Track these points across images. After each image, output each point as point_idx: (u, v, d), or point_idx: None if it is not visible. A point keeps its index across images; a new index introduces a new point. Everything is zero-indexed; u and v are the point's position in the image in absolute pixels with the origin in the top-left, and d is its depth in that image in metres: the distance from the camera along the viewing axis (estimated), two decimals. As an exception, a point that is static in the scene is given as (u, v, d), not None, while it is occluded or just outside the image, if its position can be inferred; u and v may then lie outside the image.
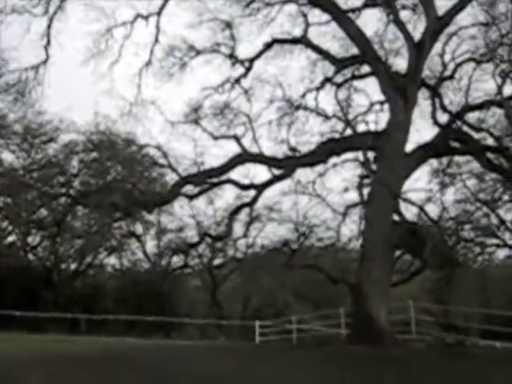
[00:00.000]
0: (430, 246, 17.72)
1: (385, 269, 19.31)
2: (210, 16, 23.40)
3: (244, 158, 20.65)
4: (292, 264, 24.41)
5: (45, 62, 19.03)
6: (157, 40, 21.22)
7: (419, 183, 23.92)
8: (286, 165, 20.65)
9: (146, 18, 20.83)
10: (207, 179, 20.86)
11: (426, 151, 20.40)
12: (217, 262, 39.16)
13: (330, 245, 25.53)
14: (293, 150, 21.30)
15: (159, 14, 20.81)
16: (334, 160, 21.08)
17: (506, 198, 31.06)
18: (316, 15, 23.56)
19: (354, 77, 23.40)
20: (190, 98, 23.35)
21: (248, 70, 23.68)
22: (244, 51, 24.20)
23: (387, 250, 19.33)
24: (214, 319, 34.95)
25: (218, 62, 24.05)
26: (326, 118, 21.90)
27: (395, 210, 18.55)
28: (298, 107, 22.13)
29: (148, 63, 21.45)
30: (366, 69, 23.18)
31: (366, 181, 20.17)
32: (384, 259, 19.25)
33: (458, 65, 22.76)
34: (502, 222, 33.71)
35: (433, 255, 18.00)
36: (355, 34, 20.38)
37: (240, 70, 23.96)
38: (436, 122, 20.85)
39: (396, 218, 19.23)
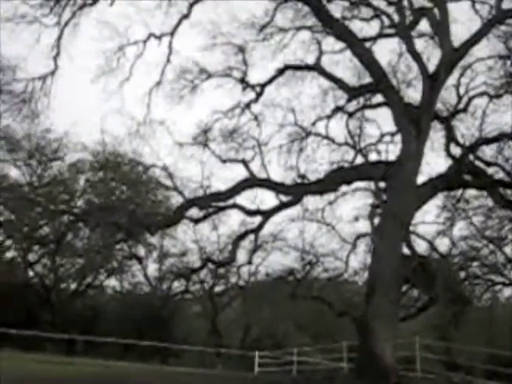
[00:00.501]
0: (441, 281, 16.96)
1: (392, 303, 18.51)
2: (224, 40, 22.93)
3: (252, 182, 20.00)
4: (297, 294, 23.59)
5: (53, 72, 18.46)
6: (169, 60, 20.69)
7: (428, 216, 23.48)
8: (294, 192, 19.98)
9: (159, 37, 20.34)
10: (213, 203, 20.19)
11: (438, 183, 19.76)
12: (218, 288, 38.46)
13: (337, 276, 24.68)
14: (302, 176, 20.67)
15: (172, 34, 20.31)
16: (344, 189, 20.46)
17: (512, 236, 30.58)
18: (329, 44, 23.16)
19: (365, 106, 22.83)
20: (200, 120, 22.79)
21: (259, 95, 23.14)
22: (256, 76, 23.76)
23: (395, 284, 18.56)
24: (213, 347, 34.12)
25: (229, 87, 23.55)
26: (338, 145, 21.28)
27: (406, 242, 17.82)
28: (309, 133, 21.52)
29: (158, 83, 20.89)
30: (377, 99, 22.70)
31: (378, 210, 19.42)
32: (392, 293, 18.47)
33: (472, 98, 22.24)
34: (509, 260, 33.13)
35: (444, 290, 17.25)
36: (370, 63, 19.87)
37: (251, 94, 23.43)
38: (449, 155, 20.24)
39: (405, 250, 18.50)
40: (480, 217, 27.26)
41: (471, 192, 23.52)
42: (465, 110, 22.28)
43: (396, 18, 21.65)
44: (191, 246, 38.88)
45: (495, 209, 26.77)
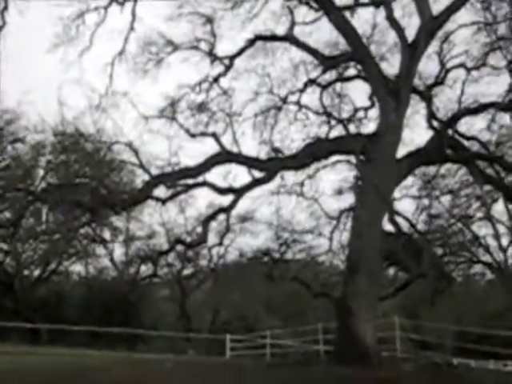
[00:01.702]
0: (427, 258, 15.66)
1: (373, 282, 17.21)
2: (190, 9, 21.15)
3: (223, 157, 18.34)
4: (273, 275, 22.08)
5: (0, 29, 16.37)
6: (132, 28, 18.85)
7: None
8: (268, 167, 18.36)
9: (122, 3, 18.47)
10: (182, 180, 18.49)
11: (418, 157, 18.41)
12: (187, 272, 36.86)
13: (317, 255, 23.13)
14: (276, 150, 19.04)
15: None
16: (323, 162, 18.94)
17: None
18: (301, 14, 21.63)
19: (339, 79, 21.35)
20: (166, 93, 21.01)
21: (228, 68, 21.46)
22: (224, 48, 22.04)
23: (376, 262, 17.25)
24: (183, 331, 32.59)
25: (197, 60, 21.83)
26: (316, 114, 19.70)
27: (390, 218, 16.44)
28: (285, 100, 19.88)
29: (121, 52, 19.06)
30: (351, 72, 21.37)
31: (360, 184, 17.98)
32: (373, 272, 17.15)
33: (449, 69, 20.97)
34: (476, 237, 32.41)
35: (430, 268, 15.96)
36: (347, 31, 18.36)
37: (219, 68, 21.73)
38: (431, 127, 18.88)
39: (386, 227, 17.14)
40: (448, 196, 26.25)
41: (448, 167, 22.30)
42: (441, 82, 21.01)
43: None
44: (158, 228, 37.35)
45: (463, 187, 25.92)
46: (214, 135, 18.82)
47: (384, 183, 16.79)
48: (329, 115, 19.72)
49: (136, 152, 19.25)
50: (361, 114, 21.55)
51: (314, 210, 21.69)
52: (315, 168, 19.31)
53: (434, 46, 20.17)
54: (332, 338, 20.89)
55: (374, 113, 21.43)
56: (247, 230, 33.31)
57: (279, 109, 20.33)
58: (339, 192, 20.20)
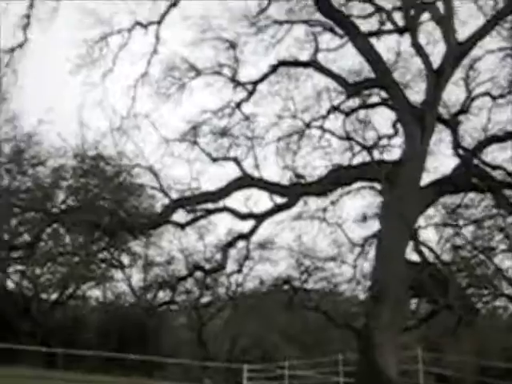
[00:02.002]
0: (454, 289, 15.02)
1: (397, 314, 16.57)
2: (214, 34, 21.02)
3: (244, 181, 17.94)
4: (293, 304, 21.42)
5: (21, 45, 16.16)
6: (155, 51, 18.71)
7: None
8: (290, 192, 17.92)
9: (146, 26, 18.34)
10: (202, 204, 18.10)
11: (444, 186, 17.86)
12: (205, 299, 36.20)
13: (339, 284, 22.33)
14: (299, 176, 18.60)
15: (159, 22, 18.34)
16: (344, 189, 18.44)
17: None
18: (324, 41, 21.39)
19: (362, 106, 20.96)
20: (188, 119, 20.77)
21: (251, 93, 21.22)
22: (247, 74, 21.85)
23: (401, 292, 16.62)
24: (199, 360, 31.89)
25: (219, 86, 21.64)
26: (340, 139, 19.26)
27: (415, 247, 15.86)
28: (308, 125, 19.46)
29: (144, 74, 18.89)
30: (374, 99, 20.98)
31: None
32: (397, 302, 16.52)
33: (474, 98, 20.52)
34: (499, 270, 31.47)
35: (457, 299, 15.30)
36: (372, 57, 17.98)
37: (242, 93, 21.49)
38: (457, 155, 18.37)
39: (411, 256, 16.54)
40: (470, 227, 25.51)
41: (471, 197, 21.65)
42: (467, 110, 20.55)
43: (395, 15, 20.08)
44: (177, 255, 36.83)
45: (486, 218, 25.21)
46: (236, 160, 18.49)
47: (408, 211, 16.28)
48: (352, 141, 19.28)
49: (156, 175, 18.95)
50: (384, 141, 21.25)
51: (336, 236, 21.16)
52: (339, 194, 18.82)
53: (459, 73, 19.85)
54: (352, 370, 20.17)
55: (397, 140, 21.13)
56: (266, 258, 32.80)
57: (302, 134, 19.95)
58: (363, 219, 19.54)
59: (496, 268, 31.18)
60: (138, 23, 18.34)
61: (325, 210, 19.55)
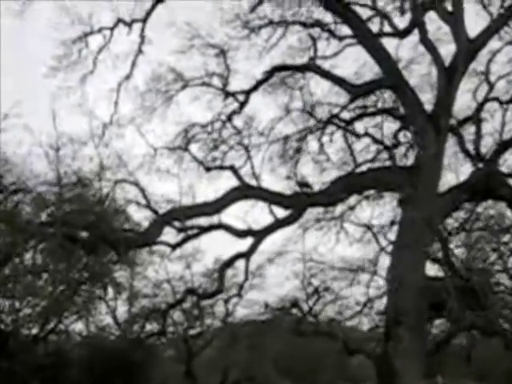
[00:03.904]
0: (493, 306, 12.51)
1: (418, 337, 14.05)
2: (202, 42, 18.60)
3: (243, 192, 15.36)
4: (302, 330, 18.64)
5: None
6: (140, 51, 16.22)
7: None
8: (294, 203, 15.33)
9: (129, 24, 15.91)
10: (196, 217, 15.44)
11: (462, 192, 15.47)
12: (194, 330, 33.06)
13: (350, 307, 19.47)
14: (304, 185, 16.02)
15: (145, 20, 15.93)
16: (354, 199, 15.94)
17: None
18: (320, 49, 19.10)
19: (363, 114, 18.57)
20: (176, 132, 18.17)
21: (243, 104, 18.75)
22: (238, 85, 19.43)
23: (421, 313, 14.16)
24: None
25: (209, 97, 19.18)
26: (357, 136, 16.76)
27: (444, 258, 13.34)
28: (325, 121, 16.91)
29: (128, 76, 16.35)
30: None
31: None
32: (417, 324, 14.08)
33: (482, 103, 18.26)
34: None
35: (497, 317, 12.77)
36: (381, 56, 15.79)
37: (233, 105, 19.04)
38: (480, 158, 16.02)
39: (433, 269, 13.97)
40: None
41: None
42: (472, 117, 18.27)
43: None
44: (164, 286, 33.94)
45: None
46: (232, 168, 15.89)
47: (432, 218, 13.80)
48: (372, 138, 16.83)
49: (143, 190, 16.28)
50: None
51: (343, 255, 18.53)
52: (357, 200, 16.28)
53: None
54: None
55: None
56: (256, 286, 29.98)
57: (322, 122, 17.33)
58: (392, 223, 16.86)
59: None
60: (121, 20, 15.88)
61: (342, 217, 16.92)
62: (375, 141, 16.92)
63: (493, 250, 24.33)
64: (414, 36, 16.83)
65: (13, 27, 15.28)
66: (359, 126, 17.43)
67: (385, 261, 15.93)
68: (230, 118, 18.94)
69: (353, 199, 16.39)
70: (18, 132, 18.06)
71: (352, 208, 16.80)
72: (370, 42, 15.86)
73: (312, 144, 18.50)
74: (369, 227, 16.75)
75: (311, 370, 32.11)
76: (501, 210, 19.78)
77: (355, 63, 18.41)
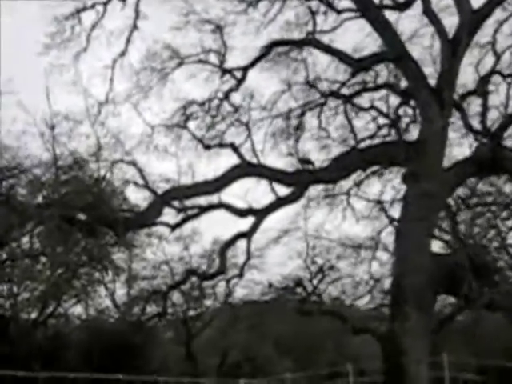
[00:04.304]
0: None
1: (424, 314, 13.69)
2: (198, 18, 17.95)
3: (243, 170, 14.85)
4: (307, 309, 18.24)
5: None
6: (135, 26, 15.61)
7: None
8: (296, 180, 14.83)
9: (123, -1, 15.29)
10: (196, 196, 14.94)
11: (468, 167, 15.02)
12: (194, 312, 32.76)
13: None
14: (306, 162, 15.50)
15: (139, -6, 15.32)
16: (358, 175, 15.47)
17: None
18: (318, 23, 18.49)
19: (364, 89, 17.99)
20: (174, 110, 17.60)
21: (240, 81, 18.15)
22: (236, 61, 18.82)
23: (427, 290, 13.77)
24: (189, 375, 28.44)
25: (206, 75, 18.57)
26: (362, 110, 16.22)
27: (452, 231, 12.95)
28: (327, 94, 16.33)
29: (123, 53, 15.75)
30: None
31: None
32: (423, 301, 13.69)
33: (484, 77, 17.71)
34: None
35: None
36: (384, 29, 15.24)
37: (231, 82, 18.44)
38: (488, 132, 15.54)
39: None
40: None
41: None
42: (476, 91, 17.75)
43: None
44: (162, 267, 33.52)
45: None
46: (233, 145, 15.36)
47: (438, 193, 13.37)
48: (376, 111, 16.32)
49: (141, 171, 15.76)
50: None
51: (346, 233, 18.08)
52: (365, 174, 15.81)
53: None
54: (366, 381, 17.14)
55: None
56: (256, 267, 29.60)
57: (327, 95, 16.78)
58: (392, 202, 16.41)
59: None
60: (114, -6, 15.24)
61: (348, 193, 16.41)
62: (381, 114, 16.35)
63: (491, 227, 24.13)
64: (417, 8, 16.29)
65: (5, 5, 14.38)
66: (362, 101, 16.85)
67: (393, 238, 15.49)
68: (227, 96, 18.36)
69: (357, 175, 15.91)
70: (12, 110, 17.50)
71: (358, 184, 16.33)
72: (373, 14, 15.27)
73: (312, 120, 18.04)
74: (379, 202, 16.27)
75: (312, 349, 31.89)
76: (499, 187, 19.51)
77: (353, 38, 18.06)
